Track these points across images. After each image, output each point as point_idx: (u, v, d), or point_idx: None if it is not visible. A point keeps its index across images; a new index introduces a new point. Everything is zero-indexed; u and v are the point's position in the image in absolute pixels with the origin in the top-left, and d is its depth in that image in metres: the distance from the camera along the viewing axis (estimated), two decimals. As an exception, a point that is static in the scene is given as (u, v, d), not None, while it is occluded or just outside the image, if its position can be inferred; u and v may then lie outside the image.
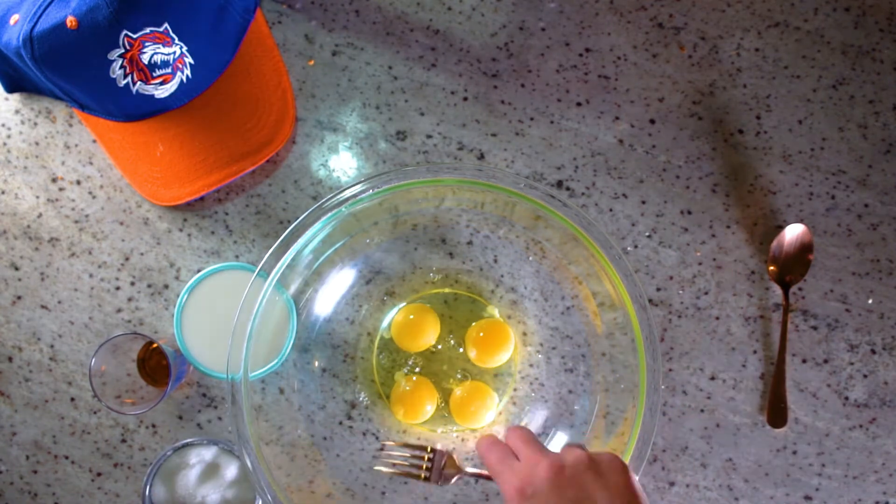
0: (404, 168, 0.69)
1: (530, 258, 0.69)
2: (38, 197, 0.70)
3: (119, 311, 0.69)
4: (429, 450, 0.56)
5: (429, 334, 0.68)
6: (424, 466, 0.56)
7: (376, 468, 0.57)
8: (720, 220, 0.70)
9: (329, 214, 0.61)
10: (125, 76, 0.63)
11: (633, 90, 0.71)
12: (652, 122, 0.71)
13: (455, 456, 0.57)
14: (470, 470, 0.55)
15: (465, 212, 0.69)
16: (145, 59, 0.62)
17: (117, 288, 0.70)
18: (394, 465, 0.56)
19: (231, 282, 0.67)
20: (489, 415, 0.68)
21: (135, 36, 0.61)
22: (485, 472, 0.54)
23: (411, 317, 0.68)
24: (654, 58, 0.71)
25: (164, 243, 0.70)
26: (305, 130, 0.71)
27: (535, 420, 0.68)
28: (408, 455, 0.56)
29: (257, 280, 0.60)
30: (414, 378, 0.68)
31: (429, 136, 0.71)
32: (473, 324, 0.69)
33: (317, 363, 0.69)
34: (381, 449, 0.58)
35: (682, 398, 0.69)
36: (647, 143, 0.70)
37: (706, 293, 0.70)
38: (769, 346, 0.69)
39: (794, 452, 0.69)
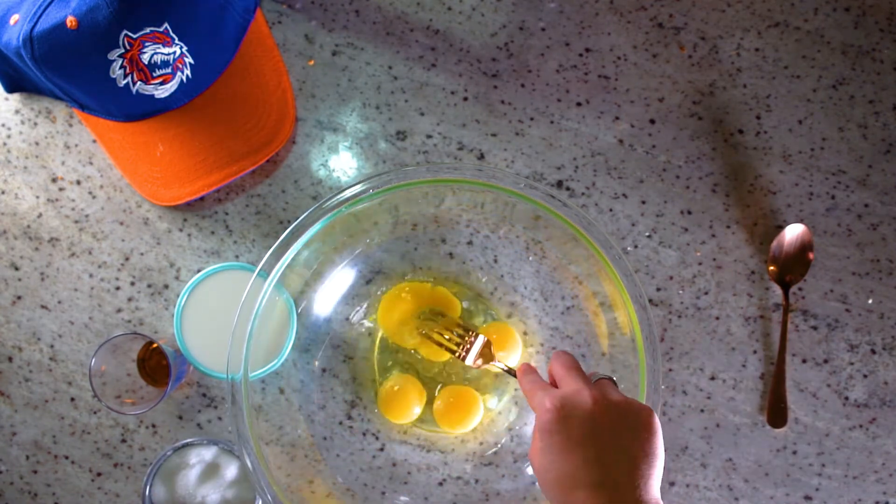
0: (404, 168, 0.69)
1: (530, 258, 0.69)
2: (38, 197, 0.70)
3: (119, 311, 0.69)
4: (472, 333, 0.62)
5: (414, 406, 0.67)
6: (464, 346, 0.62)
7: (422, 332, 0.64)
8: (720, 220, 0.70)
9: (329, 214, 0.61)
10: (125, 76, 0.63)
11: (633, 90, 0.71)
12: (652, 122, 0.71)
13: (493, 349, 0.62)
14: (502, 365, 0.59)
15: (465, 212, 0.69)
16: (145, 59, 0.62)
17: (117, 288, 0.70)
18: (436, 335, 0.63)
19: (231, 282, 0.67)
20: (474, 420, 0.67)
21: (135, 36, 0.61)
22: (513, 369, 0.57)
23: (396, 388, 0.67)
24: (654, 58, 0.71)
25: (164, 243, 0.70)
26: (305, 130, 0.71)
27: (533, 420, 0.68)
28: (453, 332, 0.63)
29: (257, 280, 0.60)
30: (397, 380, 0.68)
31: (429, 136, 0.71)
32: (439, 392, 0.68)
33: (317, 363, 0.69)
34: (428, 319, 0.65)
35: (682, 398, 0.69)
36: (647, 143, 0.70)
37: (706, 293, 0.70)
38: (769, 346, 0.69)
39: (794, 452, 0.69)
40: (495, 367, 0.60)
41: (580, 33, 0.71)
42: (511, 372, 0.57)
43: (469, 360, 0.62)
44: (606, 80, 0.71)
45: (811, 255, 0.68)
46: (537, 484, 0.67)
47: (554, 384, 0.51)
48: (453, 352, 0.61)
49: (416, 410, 0.67)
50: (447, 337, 0.62)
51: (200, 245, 0.70)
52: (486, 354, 0.61)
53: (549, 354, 0.69)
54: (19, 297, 0.70)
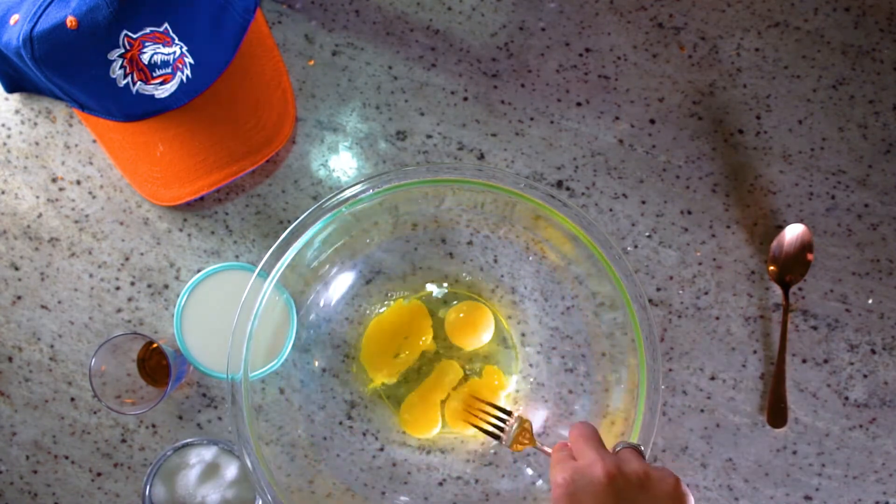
0: (404, 168, 0.69)
1: (530, 258, 0.69)
2: (38, 197, 0.70)
3: (119, 311, 0.69)
4: (513, 415, 0.60)
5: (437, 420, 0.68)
6: (503, 429, 0.60)
7: (466, 420, 0.63)
8: (720, 220, 0.70)
9: (329, 214, 0.61)
10: (125, 76, 0.63)
11: (633, 90, 0.71)
12: (652, 122, 0.71)
13: (530, 427, 0.60)
14: (542, 446, 0.56)
15: (465, 212, 0.69)
16: (145, 59, 0.62)
17: (117, 288, 0.70)
18: (477, 418, 0.61)
19: (231, 282, 0.67)
20: (486, 335, 0.68)
21: (135, 36, 0.61)
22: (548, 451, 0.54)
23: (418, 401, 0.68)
24: (654, 58, 0.71)
25: (164, 243, 0.70)
26: (305, 130, 0.71)
27: (535, 420, 0.68)
28: (491, 414, 0.61)
29: (257, 280, 0.60)
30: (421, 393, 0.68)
31: (429, 136, 0.71)
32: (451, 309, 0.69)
33: (317, 363, 0.69)
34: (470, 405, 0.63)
35: (682, 398, 0.69)
36: (647, 143, 0.70)
37: (706, 293, 0.70)
38: (769, 346, 0.69)
39: (794, 452, 0.69)
40: (537, 447, 0.58)
41: (580, 33, 0.71)
42: (546, 453, 0.54)
43: (508, 444, 0.59)
44: (606, 80, 0.71)
45: (811, 256, 0.68)
46: (537, 483, 0.67)
47: None
48: (497, 437, 0.59)
49: (439, 426, 0.68)
50: (490, 423, 0.60)
51: (200, 245, 0.70)
52: (526, 436, 0.59)
53: (549, 354, 0.69)
54: (19, 297, 0.70)
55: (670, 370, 0.69)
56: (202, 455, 0.64)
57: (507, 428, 0.59)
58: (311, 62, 0.71)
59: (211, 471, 0.64)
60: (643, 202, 0.70)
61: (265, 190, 0.70)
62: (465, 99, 0.71)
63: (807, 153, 0.70)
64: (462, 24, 0.71)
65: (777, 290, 0.69)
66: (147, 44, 0.62)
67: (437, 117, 0.71)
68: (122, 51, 0.61)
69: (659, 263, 0.70)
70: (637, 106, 0.71)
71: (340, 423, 0.69)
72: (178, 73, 0.65)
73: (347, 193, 0.61)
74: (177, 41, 0.63)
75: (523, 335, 0.69)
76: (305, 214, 0.60)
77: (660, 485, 0.44)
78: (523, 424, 0.59)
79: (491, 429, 0.60)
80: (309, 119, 0.71)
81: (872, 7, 0.71)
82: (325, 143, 0.71)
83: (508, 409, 0.61)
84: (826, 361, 0.69)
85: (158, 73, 0.64)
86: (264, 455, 0.59)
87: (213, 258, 0.70)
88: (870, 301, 0.69)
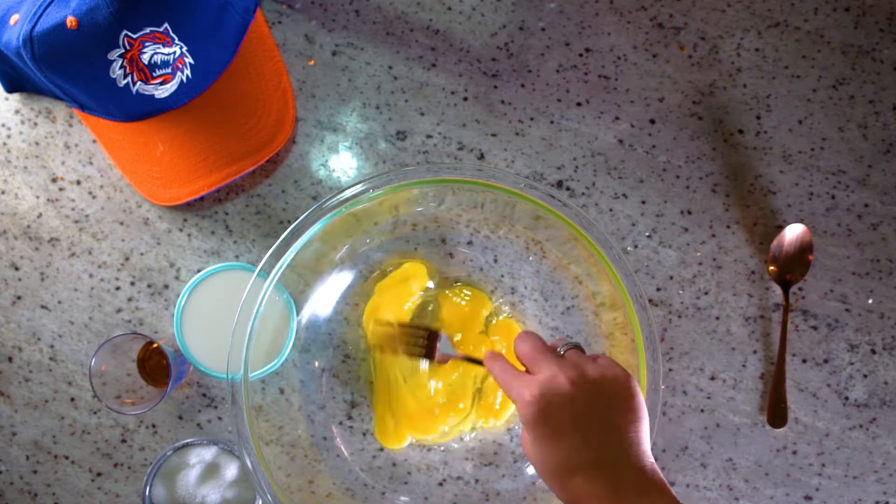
0: (404, 168, 0.69)
1: (530, 258, 0.69)
2: (38, 197, 0.70)
3: (119, 311, 0.69)
4: (424, 330, 0.59)
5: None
6: (422, 345, 0.59)
7: (373, 346, 0.61)
8: (720, 220, 0.70)
9: (329, 214, 0.61)
10: (125, 76, 0.63)
11: (633, 90, 0.71)
12: (652, 122, 0.71)
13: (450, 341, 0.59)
14: (465, 356, 0.56)
15: (465, 212, 0.69)
16: (145, 59, 0.62)
17: (117, 288, 0.70)
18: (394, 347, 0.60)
19: (231, 282, 0.67)
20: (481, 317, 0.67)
21: (135, 36, 0.61)
22: (479, 357, 0.54)
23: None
24: (654, 58, 0.71)
25: (164, 243, 0.70)
26: (305, 130, 0.71)
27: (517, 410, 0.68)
28: (408, 333, 0.59)
29: (257, 280, 0.60)
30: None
31: (429, 136, 0.71)
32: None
33: (317, 363, 0.69)
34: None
35: (682, 398, 0.69)
36: (647, 143, 0.70)
37: (706, 293, 0.70)
38: (769, 346, 0.69)
39: (794, 452, 0.69)
40: (458, 358, 0.57)
41: (580, 33, 0.71)
42: (477, 361, 0.54)
43: (433, 357, 0.59)
44: (606, 80, 0.71)
45: (811, 256, 0.68)
46: (537, 473, 0.67)
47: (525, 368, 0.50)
48: (417, 355, 0.59)
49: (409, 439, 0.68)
50: (406, 344, 0.59)
51: (200, 245, 0.70)
52: (447, 347, 0.58)
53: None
54: (19, 297, 0.70)
55: (670, 370, 0.69)
56: (202, 455, 0.64)
57: (428, 344, 0.58)
58: (311, 62, 0.71)
59: (211, 471, 0.64)
60: (643, 202, 0.70)
61: (265, 190, 0.70)
62: (465, 99, 0.71)
63: (807, 153, 0.70)
64: (462, 24, 0.71)
65: (777, 290, 0.69)
66: (147, 44, 0.62)
67: (437, 117, 0.71)
68: (122, 51, 0.61)
69: (659, 263, 0.70)
70: (637, 106, 0.71)
71: (340, 423, 0.69)
72: (178, 73, 0.65)
73: (347, 193, 0.61)
74: (177, 41, 0.63)
75: (523, 335, 0.69)
76: (305, 214, 0.60)
77: (613, 385, 0.46)
78: (444, 337, 0.58)
79: (414, 349, 0.59)
80: (309, 119, 0.71)
81: (872, 7, 0.71)
82: (325, 143, 0.71)
83: (423, 325, 0.60)
84: (826, 361, 0.69)
85: (158, 73, 0.64)
86: (264, 455, 0.60)
87: (213, 258, 0.70)
88: (870, 301, 0.69)
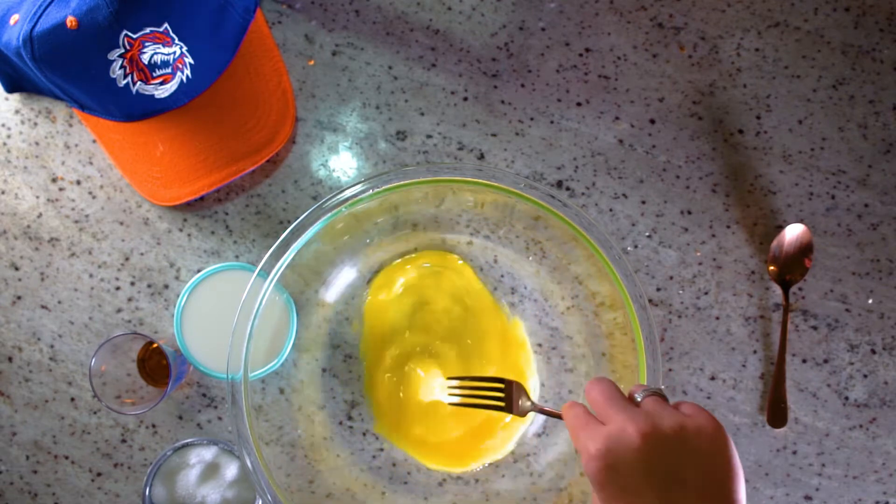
0: (404, 168, 0.69)
1: (530, 258, 0.69)
2: (38, 197, 0.70)
3: (119, 311, 0.69)
4: (502, 383, 0.56)
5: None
6: (501, 399, 0.56)
7: (450, 403, 0.58)
8: (720, 220, 0.70)
9: (329, 214, 0.61)
10: (125, 76, 0.63)
11: (633, 90, 0.71)
12: (652, 122, 0.71)
13: (528, 390, 0.56)
14: (546, 407, 0.53)
15: (465, 212, 0.69)
16: (145, 59, 0.62)
17: (117, 288, 0.70)
18: (467, 397, 0.57)
19: (231, 282, 0.67)
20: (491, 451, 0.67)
21: (135, 36, 0.61)
22: (557, 413, 0.49)
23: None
24: (654, 58, 0.71)
25: (164, 243, 0.70)
26: (305, 130, 0.71)
27: (535, 420, 0.68)
28: (481, 387, 0.57)
29: (257, 280, 0.60)
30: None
31: (429, 136, 0.71)
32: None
33: (317, 363, 0.69)
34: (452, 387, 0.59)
35: (683, 398, 0.69)
36: (647, 143, 0.70)
37: (706, 293, 0.70)
38: (769, 346, 0.69)
39: (794, 452, 0.69)
40: (542, 409, 0.54)
41: (580, 33, 0.71)
42: (556, 415, 0.50)
43: (513, 410, 0.56)
44: (606, 80, 0.71)
45: (811, 256, 0.68)
46: (538, 483, 0.67)
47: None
48: (496, 407, 0.56)
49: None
50: (483, 395, 0.56)
51: (200, 245, 0.70)
52: (526, 398, 0.55)
53: (549, 354, 0.69)
54: (19, 297, 0.70)
55: (670, 370, 0.69)
56: (202, 455, 0.64)
57: (506, 397, 0.56)
58: (311, 62, 0.71)
59: (211, 471, 0.64)
60: (643, 202, 0.70)
61: (265, 190, 0.70)
62: (465, 99, 0.71)
63: (807, 153, 0.70)
64: (462, 24, 0.71)
65: (777, 290, 0.69)
66: (147, 44, 0.62)
67: (437, 117, 0.71)
68: (122, 51, 0.61)
69: (659, 263, 0.70)
70: (637, 106, 0.71)
71: (340, 423, 0.69)
72: (178, 73, 0.65)
73: (347, 193, 0.61)
74: (177, 41, 0.63)
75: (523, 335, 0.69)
76: (305, 214, 0.60)
77: (697, 437, 0.40)
78: (521, 388, 0.56)
79: (494, 402, 0.56)
80: (309, 119, 0.71)
81: (872, 7, 0.71)
82: (325, 143, 0.71)
83: (498, 377, 0.57)
84: (826, 361, 0.69)
85: (158, 73, 0.64)
86: (264, 455, 0.59)
87: (213, 258, 0.70)
88: (870, 301, 0.69)
